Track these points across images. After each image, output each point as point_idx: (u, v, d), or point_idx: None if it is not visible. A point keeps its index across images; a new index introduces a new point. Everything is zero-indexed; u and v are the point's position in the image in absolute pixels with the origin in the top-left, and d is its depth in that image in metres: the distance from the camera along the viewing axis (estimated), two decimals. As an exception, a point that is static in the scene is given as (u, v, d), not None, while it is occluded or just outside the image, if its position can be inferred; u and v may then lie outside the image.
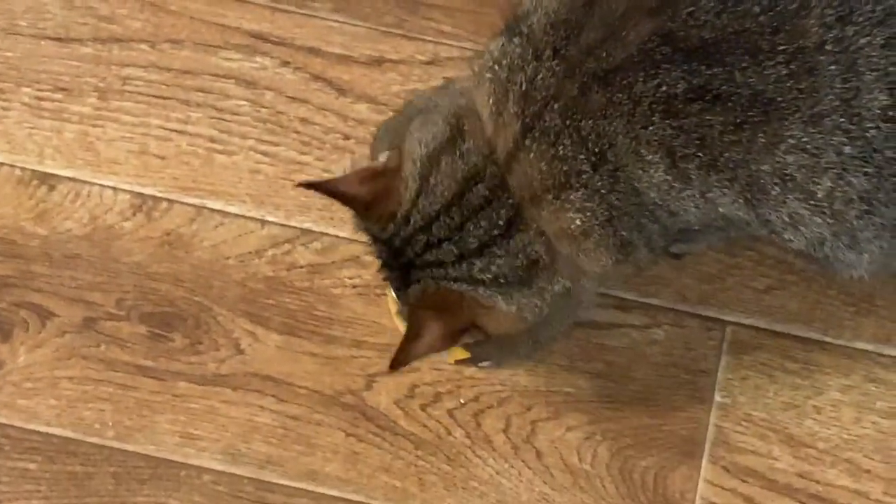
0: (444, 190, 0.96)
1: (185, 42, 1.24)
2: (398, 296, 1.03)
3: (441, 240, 0.96)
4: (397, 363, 0.96)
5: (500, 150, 0.94)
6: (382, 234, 0.99)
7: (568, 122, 0.90)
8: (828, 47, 0.87)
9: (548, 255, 0.96)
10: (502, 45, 0.94)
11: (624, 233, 0.94)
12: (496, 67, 0.93)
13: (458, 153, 0.96)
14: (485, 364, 1.17)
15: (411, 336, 0.97)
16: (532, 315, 0.98)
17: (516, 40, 0.93)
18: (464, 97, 0.98)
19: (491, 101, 0.94)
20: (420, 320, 0.97)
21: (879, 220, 0.93)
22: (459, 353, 1.14)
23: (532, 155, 0.92)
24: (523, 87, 0.91)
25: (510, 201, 0.95)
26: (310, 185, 0.98)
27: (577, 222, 0.92)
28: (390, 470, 1.13)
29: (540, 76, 0.91)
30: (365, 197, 0.98)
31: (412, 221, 0.96)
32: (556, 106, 0.91)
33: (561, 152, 0.91)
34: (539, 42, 0.91)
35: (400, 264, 0.99)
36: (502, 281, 0.96)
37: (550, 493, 1.12)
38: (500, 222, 0.96)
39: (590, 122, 0.90)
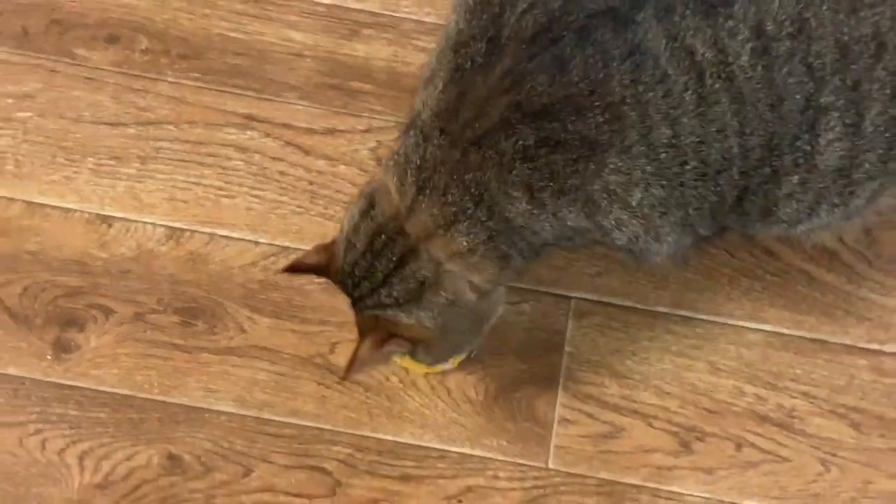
0: (359, 244, 0.96)
1: (199, 122, 1.24)
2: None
3: (360, 279, 0.96)
4: (346, 373, 0.95)
5: (402, 209, 0.93)
6: (340, 283, 0.99)
7: (452, 179, 0.90)
8: (628, 101, 0.87)
9: (433, 276, 0.95)
10: (401, 141, 0.95)
11: (503, 247, 0.93)
12: (396, 157, 0.94)
13: (370, 218, 0.95)
14: (447, 367, 1.14)
15: (354, 352, 0.96)
16: (429, 322, 0.96)
17: (412, 132, 0.93)
18: (378, 183, 0.97)
19: (395, 178, 0.93)
20: (359, 340, 0.97)
21: (672, 219, 0.93)
22: (417, 366, 1.13)
23: (425, 205, 0.92)
24: (418, 163, 0.91)
25: (404, 242, 0.94)
26: (287, 269, 0.99)
27: (465, 243, 0.92)
28: (348, 407, 1.15)
29: (429, 152, 0.91)
30: (322, 262, 0.99)
31: (345, 270, 0.97)
32: (443, 169, 0.90)
33: (450, 199, 0.90)
34: (429, 129, 0.91)
35: (353, 302, 0.99)
36: (400, 301, 0.95)
37: (458, 417, 1.15)
38: (394, 259, 0.94)
39: (470, 175, 0.89)
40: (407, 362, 1.13)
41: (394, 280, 0.94)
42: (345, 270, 0.96)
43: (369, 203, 0.96)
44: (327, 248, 0.98)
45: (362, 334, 0.97)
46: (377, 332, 0.95)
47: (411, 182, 0.91)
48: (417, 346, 0.99)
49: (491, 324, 1.05)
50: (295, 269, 0.99)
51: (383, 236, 0.93)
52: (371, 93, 1.25)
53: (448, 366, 1.14)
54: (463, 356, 1.13)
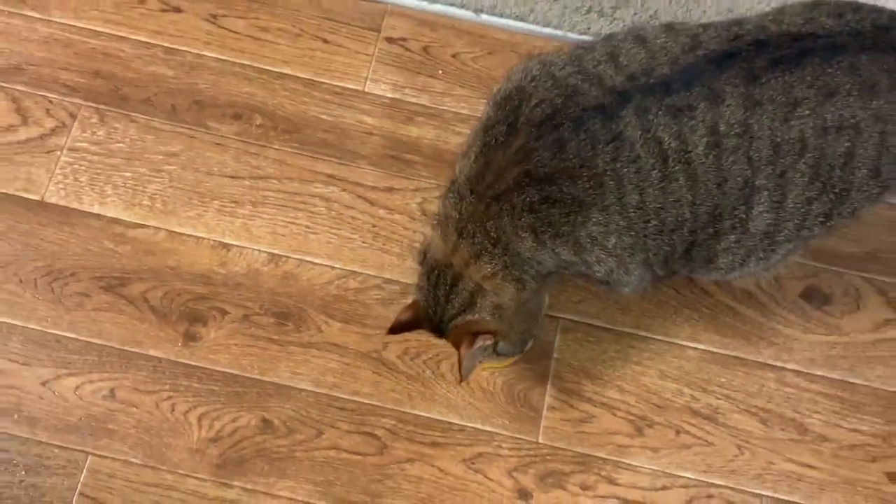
0: (425, 285, 1.02)
1: (295, 178, 1.34)
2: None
3: (434, 307, 1.03)
4: (460, 377, 1.02)
5: (448, 250, 1.00)
6: (427, 326, 1.04)
7: (478, 226, 0.97)
8: (608, 173, 0.92)
9: (476, 289, 1.01)
10: (442, 202, 1.00)
11: (516, 272, 0.99)
12: (439, 217, 1.01)
13: (426, 264, 1.02)
14: (516, 356, 1.18)
15: (457, 359, 1.02)
16: (489, 317, 1.02)
17: (451, 195, 0.99)
18: (427, 239, 1.03)
19: (440, 232, 1.00)
20: (457, 351, 1.03)
21: (637, 259, 0.99)
22: (498, 364, 1.22)
23: (463, 245, 0.99)
24: (456, 217, 0.98)
25: (452, 271, 1.00)
26: (390, 331, 1.05)
27: (489, 268, 0.99)
28: (395, 390, 1.24)
29: (464, 208, 0.97)
30: (411, 317, 1.05)
31: (425, 305, 1.03)
32: (473, 219, 0.97)
33: (477, 241, 0.98)
34: (463, 190, 0.98)
35: (439, 331, 1.05)
36: (462, 309, 1.02)
37: (474, 401, 1.24)
38: (448, 283, 1.01)
39: (491, 222, 0.96)
40: (489, 364, 1.21)
41: (452, 296, 1.01)
42: (425, 305, 1.03)
43: (423, 253, 1.03)
44: (412, 306, 1.04)
45: (457, 347, 1.02)
46: (461, 336, 1.01)
47: (452, 231, 0.99)
48: (498, 341, 1.03)
49: (543, 315, 1.11)
50: (395, 329, 1.05)
51: (436, 271, 1.01)
52: (420, 162, 1.34)
53: (514, 358, 1.20)
54: (520, 354, 1.18)
